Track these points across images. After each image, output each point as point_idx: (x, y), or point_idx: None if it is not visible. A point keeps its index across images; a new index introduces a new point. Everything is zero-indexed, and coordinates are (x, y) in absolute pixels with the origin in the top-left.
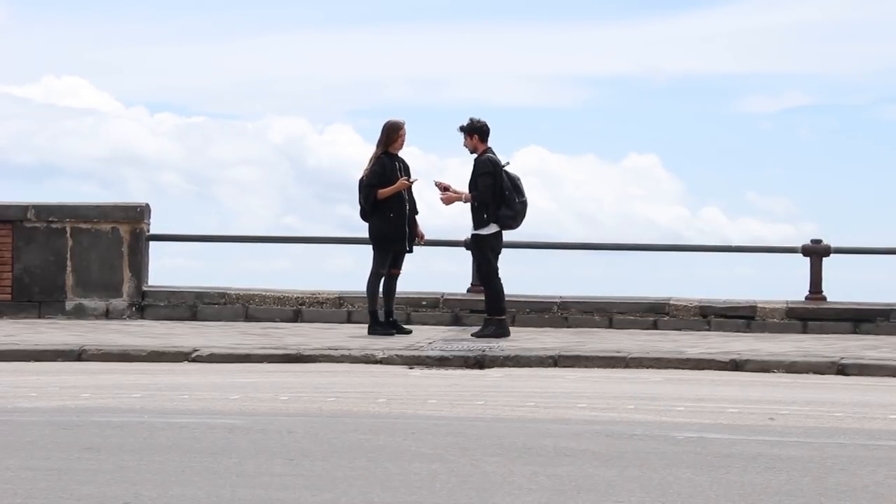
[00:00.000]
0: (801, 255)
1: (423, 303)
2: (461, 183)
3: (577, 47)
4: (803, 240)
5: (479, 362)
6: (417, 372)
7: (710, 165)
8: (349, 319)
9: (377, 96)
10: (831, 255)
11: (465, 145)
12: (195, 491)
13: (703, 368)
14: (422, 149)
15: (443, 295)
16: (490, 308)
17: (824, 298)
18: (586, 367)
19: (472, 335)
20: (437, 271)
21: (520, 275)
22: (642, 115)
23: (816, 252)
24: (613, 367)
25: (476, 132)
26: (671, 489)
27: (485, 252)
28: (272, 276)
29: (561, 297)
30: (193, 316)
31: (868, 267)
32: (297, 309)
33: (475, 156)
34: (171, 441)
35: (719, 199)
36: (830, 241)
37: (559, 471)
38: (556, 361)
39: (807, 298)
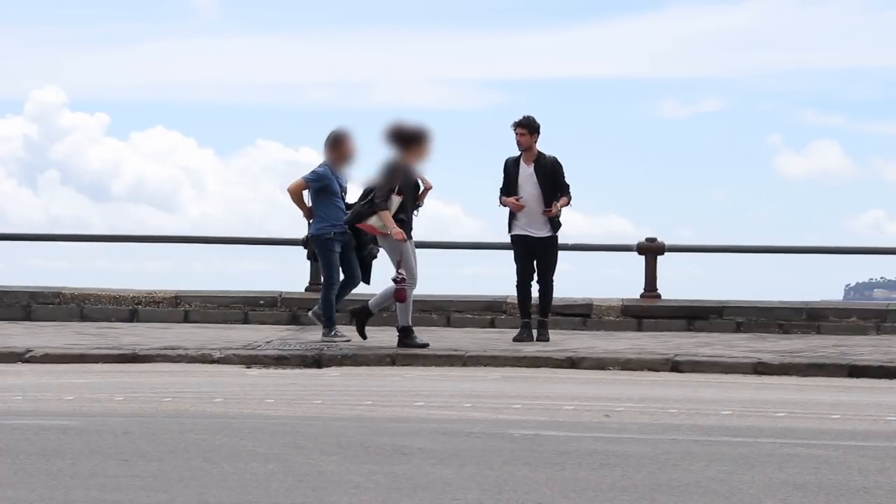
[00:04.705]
0: (636, 253)
1: (261, 302)
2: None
3: (495, 52)
4: (641, 238)
5: (317, 361)
6: (255, 371)
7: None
8: (186, 319)
9: (296, 100)
10: (666, 253)
11: (520, 142)
12: (28, 493)
13: (539, 366)
14: None
15: (280, 294)
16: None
17: (659, 296)
18: (424, 365)
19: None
20: (275, 272)
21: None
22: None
23: (651, 250)
24: (451, 365)
25: (539, 131)
26: (507, 486)
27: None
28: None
29: None
30: (27, 316)
31: (702, 264)
32: (134, 308)
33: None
34: (3, 443)
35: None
36: (665, 239)
37: (396, 469)
38: (394, 360)
39: (642, 296)
